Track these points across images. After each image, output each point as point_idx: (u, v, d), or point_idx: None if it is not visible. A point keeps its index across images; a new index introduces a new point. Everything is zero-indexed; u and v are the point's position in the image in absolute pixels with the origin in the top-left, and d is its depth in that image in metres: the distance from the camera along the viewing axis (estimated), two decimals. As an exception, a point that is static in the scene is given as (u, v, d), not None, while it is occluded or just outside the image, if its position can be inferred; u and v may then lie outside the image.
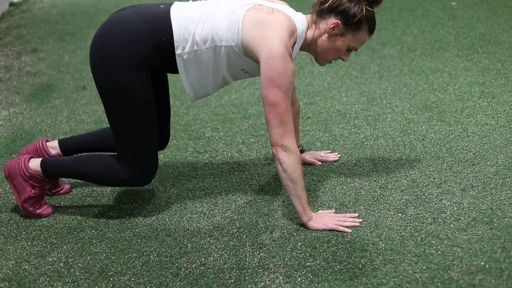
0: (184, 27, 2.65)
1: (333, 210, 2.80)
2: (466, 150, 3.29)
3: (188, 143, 3.64)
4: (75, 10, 7.27)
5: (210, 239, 2.69)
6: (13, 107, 4.43)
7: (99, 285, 2.44)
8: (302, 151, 3.27)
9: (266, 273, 2.43)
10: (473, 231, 2.59)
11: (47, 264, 2.59)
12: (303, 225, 2.70)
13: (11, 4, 7.58)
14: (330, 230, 2.66)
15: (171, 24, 2.65)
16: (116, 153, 2.84)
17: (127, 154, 2.77)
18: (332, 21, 2.71)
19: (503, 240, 2.52)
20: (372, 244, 2.56)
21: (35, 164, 2.92)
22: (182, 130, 3.81)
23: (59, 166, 2.93)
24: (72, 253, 2.66)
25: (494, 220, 2.67)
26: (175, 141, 3.67)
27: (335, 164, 3.27)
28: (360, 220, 2.69)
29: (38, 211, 2.95)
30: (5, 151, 3.72)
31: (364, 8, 2.68)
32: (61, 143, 3.19)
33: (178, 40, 2.65)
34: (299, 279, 2.39)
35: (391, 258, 2.46)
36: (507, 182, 2.95)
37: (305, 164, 3.25)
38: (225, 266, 2.50)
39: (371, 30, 2.75)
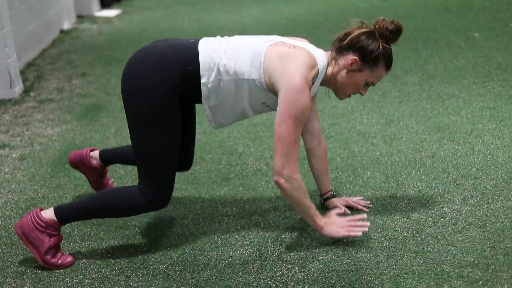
0: (210, 57, 2.79)
1: (343, 210, 3.07)
2: (470, 165, 3.66)
3: (221, 157, 4.06)
4: (121, 37, 7.78)
5: (238, 237, 3.10)
6: (65, 124, 4.90)
7: (141, 272, 2.86)
8: (332, 196, 3.28)
9: (284, 264, 2.83)
10: (467, 233, 2.97)
11: (97, 255, 3.02)
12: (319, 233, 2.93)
13: (62, 32, 8.12)
14: (343, 237, 2.88)
15: (198, 54, 2.81)
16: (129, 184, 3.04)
17: (149, 177, 2.84)
18: (350, 57, 2.85)
19: (493, 241, 2.89)
20: (377, 242, 2.95)
21: (48, 213, 2.91)
22: (217, 146, 4.23)
23: (74, 209, 2.92)
24: (118, 247, 3.09)
25: (487, 224, 3.03)
26: (210, 155, 4.09)
27: (351, 176, 3.66)
28: (369, 223, 2.90)
29: (60, 261, 2.93)
30: (58, 162, 4.18)
31: (381, 45, 2.82)
32: (102, 154, 3.47)
33: (204, 69, 2.79)
34: (312, 269, 2.78)
35: (393, 254, 2.85)
36: (503, 193, 3.31)
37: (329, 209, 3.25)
38: (249, 258, 2.90)
39: (388, 66, 2.88)
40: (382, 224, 3.11)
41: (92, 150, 3.52)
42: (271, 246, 3.00)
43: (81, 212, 2.92)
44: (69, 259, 2.95)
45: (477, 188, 3.40)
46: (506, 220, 3.06)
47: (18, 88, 5.73)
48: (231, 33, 6.46)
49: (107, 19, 9.19)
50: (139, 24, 8.70)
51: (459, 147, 3.93)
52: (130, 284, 2.76)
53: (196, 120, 3.42)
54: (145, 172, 2.85)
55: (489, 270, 2.68)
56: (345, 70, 2.87)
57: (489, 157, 3.76)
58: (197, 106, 3.43)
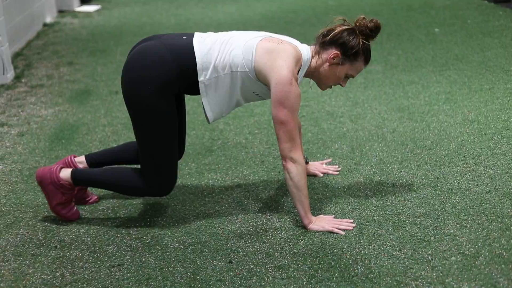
0: (206, 57, 3.01)
1: (333, 216, 3.21)
2: (426, 139, 4.16)
3: (204, 133, 4.51)
4: (103, 31, 8.20)
5: (222, 195, 3.56)
6: (58, 106, 5.31)
7: (139, 223, 3.31)
8: (306, 163, 3.57)
9: (263, 216, 3.29)
10: (421, 192, 3.46)
11: (98, 211, 3.46)
12: (304, 227, 3.12)
13: (45, 25, 8.50)
14: (327, 231, 3.07)
15: (194, 54, 3.01)
16: (139, 166, 3.18)
17: (150, 167, 3.10)
18: (333, 52, 3.07)
19: (442, 197, 3.38)
20: (344, 199, 3.43)
21: (65, 174, 3.20)
22: (200, 124, 4.68)
23: (88, 177, 3.24)
24: (118, 205, 3.52)
25: (438, 185, 3.53)
26: (194, 132, 4.53)
27: (321, 148, 4.13)
28: (354, 225, 3.11)
29: (69, 214, 3.25)
30: (55, 137, 4.59)
31: (361, 41, 3.05)
32: (88, 158, 3.51)
33: (200, 69, 3.01)
34: (288, 219, 3.24)
35: (357, 207, 3.33)
36: (453, 161, 3.81)
37: (309, 175, 3.59)
38: (233, 212, 3.36)
39: (366, 61, 3.13)
40: (348, 185, 3.59)
41: (75, 156, 3.54)
42: (251, 203, 3.46)
43: (93, 181, 3.24)
44: (76, 215, 3.28)
45: (431, 157, 3.89)
46: (455, 182, 3.55)
47: (10, 74, 6.12)
48: (207, 28, 6.93)
49: (88, 14, 9.58)
50: (119, 18, 9.11)
51: (417, 124, 4.42)
52: (130, 233, 3.20)
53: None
54: (147, 163, 3.10)
55: (439, 219, 3.17)
56: (327, 63, 3.10)
57: (442, 132, 4.25)
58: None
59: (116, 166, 3.35)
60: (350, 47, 3.06)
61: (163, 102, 3.03)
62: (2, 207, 3.56)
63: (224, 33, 3.15)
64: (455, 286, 2.64)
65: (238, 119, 4.71)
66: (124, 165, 3.39)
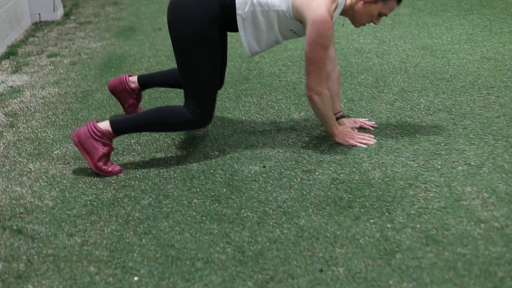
0: None
1: (356, 129, 3.55)
2: (445, 73, 4.52)
3: (241, 64, 4.90)
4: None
5: (257, 115, 3.96)
6: (105, 40, 5.74)
7: (164, 153, 3.74)
8: (342, 117, 3.65)
9: (293, 131, 3.71)
10: (437, 115, 3.84)
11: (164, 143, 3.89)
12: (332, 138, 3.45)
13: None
14: (350, 145, 3.41)
15: None
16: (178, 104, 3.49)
17: (195, 97, 3.23)
18: None
19: (455, 120, 3.76)
20: (366, 119, 3.82)
21: (104, 124, 3.25)
22: (238, 57, 5.06)
23: (127, 122, 3.28)
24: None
25: (453, 110, 3.91)
26: (232, 63, 4.92)
27: (348, 78, 4.52)
28: (375, 140, 3.47)
29: (110, 168, 3.28)
30: (104, 66, 5.03)
31: None
32: (140, 77, 3.78)
33: (239, 2, 3.16)
34: (306, 137, 3.66)
35: (378, 131, 3.72)
36: (468, 91, 4.17)
37: None
38: (267, 127, 3.78)
39: (399, 0, 3.28)
40: (371, 108, 3.98)
41: (130, 75, 3.84)
42: (283, 121, 3.87)
43: (133, 125, 3.27)
44: (118, 168, 3.31)
45: (448, 87, 4.26)
46: (468, 108, 3.92)
47: (60, 11, 6.56)
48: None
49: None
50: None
51: (438, 60, 4.78)
52: (175, 142, 3.64)
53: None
54: (191, 92, 3.23)
55: (450, 137, 3.56)
56: (362, 2, 3.24)
57: (461, 67, 4.61)
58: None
59: (156, 107, 3.41)
60: None
61: (209, 32, 3.17)
62: (61, 122, 4.01)
63: None
64: (459, 188, 3.03)
65: (272, 53, 5.09)
66: (164, 106, 3.53)
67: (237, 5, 3.16)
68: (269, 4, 3.16)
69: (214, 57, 3.23)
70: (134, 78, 3.82)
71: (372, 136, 3.52)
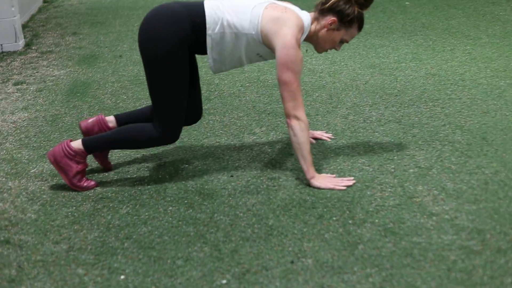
0: (215, 13, 3.24)
1: (335, 175, 3.46)
2: (393, 88, 4.86)
3: (202, 86, 5.18)
4: (100, 6, 8.84)
5: (221, 131, 4.24)
6: (68, 68, 5.96)
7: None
8: None
9: (256, 134, 3.99)
10: (388, 126, 4.15)
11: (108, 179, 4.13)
12: (308, 183, 3.37)
13: (45, 1, 9.12)
14: (328, 189, 3.33)
15: (204, 10, 3.26)
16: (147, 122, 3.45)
17: (163, 115, 3.33)
18: (330, 18, 3.33)
19: (405, 130, 4.08)
20: (323, 131, 4.12)
21: (77, 143, 3.41)
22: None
23: (98, 140, 3.43)
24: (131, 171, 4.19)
25: (402, 121, 4.22)
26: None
27: (304, 95, 4.82)
28: (354, 180, 3.39)
29: (86, 184, 3.45)
30: (70, 91, 5.24)
31: (356, 10, 3.32)
32: (118, 117, 3.71)
33: (209, 23, 3.24)
34: (276, 136, 3.94)
35: (333, 137, 4.02)
36: (416, 104, 4.50)
37: None
38: (231, 143, 4.05)
39: (360, 27, 3.39)
40: (327, 122, 4.28)
41: (103, 116, 3.72)
42: (246, 135, 4.14)
43: (104, 143, 3.43)
44: (93, 183, 3.48)
45: (397, 101, 4.59)
46: (416, 118, 4.25)
47: (21, 42, 6.76)
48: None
49: (83, -8, 10.18)
50: (113, -5, 9.74)
51: (386, 77, 5.13)
52: (146, 159, 3.88)
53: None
54: (159, 111, 3.33)
55: (401, 144, 3.87)
56: (325, 29, 3.35)
57: (408, 83, 4.96)
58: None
59: (124, 126, 3.51)
60: (346, 15, 3.31)
61: (178, 52, 3.25)
62: (34, 144, 4.21)
63: None
64: (412, 188, 3.33)
65: (231, 75, 5.38)
66: (133, 124, 3.54)
67: (207, 25, 3.26)
68: (238, 27, 3.26)
69: (183, 77, 3.32)
70: (111, 118, 3.73)
71: (351, 178, 3.46)
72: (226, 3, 3.32)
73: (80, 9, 8.71)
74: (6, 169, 3.82)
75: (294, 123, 3.27)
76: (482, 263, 2.66)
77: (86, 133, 3.68)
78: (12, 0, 6.52)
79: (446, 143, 3.83)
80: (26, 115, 4.74)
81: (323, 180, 3.36)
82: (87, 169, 3.64)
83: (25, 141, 4.23)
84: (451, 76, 5.03)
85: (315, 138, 3.93)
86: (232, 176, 3.57)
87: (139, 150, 3.91)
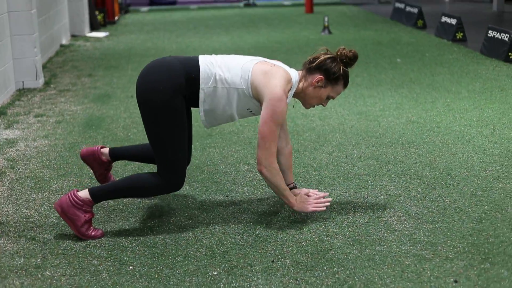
0: (209, 69, 3.44)
1: (309, 190, 3.78)
2: (375, 132, 5.45)
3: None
4: (114, 52, 9.53)
5: (220, 160, 4.83)
6: (84, 104, 6.58)
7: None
8: (294, 187, 3.85)
9: (246, 167, 4.57)
10: (366, 162, 4.72)
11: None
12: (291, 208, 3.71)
13: (61, 46, 9.81)
14: (310, 212, 3.65)
15: (199, 65, 3.46)
16: (151, 171, 3.79)
17: (166, 164, 3.47)
18: (317, 76, 3.52)
19: (381, 165, 4.65)
20: (310, 167, 4.70)
21: (83, 193, 3.48)
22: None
23: (105, 189, 3.53)
24: (137, 218, 4.78)
25: (379, 158, 4.80)
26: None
27: (295, 135, 5.41)
28: (331, 199, 3.75)
29: (93, 233, 3.51)
30: (86, 124, 5.84)
31: (341, 68, 3.52)
32: (111, 150, 3.96)
33: (203, 77, 3.44)
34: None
35: (317, 169, 4.61)
36: (393, 145, 5.09)
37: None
38: (222, 179, 4.63)
39: (345, 85, 3.60)
40: (313, 157, 4.87)
41: (103, 147, 4.00)
42: (242, 165, 4.73)
43: (111, 191, 3.53)
44: (100, 232, 3.55)
45: (377, 142, 5.18)
46: (392, 157, 4.82)
47: (41, 80, 7.41)
48: (204, 53, 8.27)
49: (98, 39, 10.91)
50: (126, 43, 10.45)
51: (370, 122, 5.73)
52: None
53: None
54: (161, 160, 3.47)
55: (376, 177, 4.44)
56: (312, 86, 3.55)
57: (389, 128, 5.56)
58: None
59: (131, 175, 3.77)
60: (332, 73, 3.51)
61: (175, 102, 3.42)
62: (54, 165, 4.79)
63: (225, 55, 3.63)
64: (380, 210, 3.88)
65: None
66: (139, 173, 3.83)
67: (201, 80, 3.44)
68: (229, 82, 3.44)
69: (181, 125, 3.45)
70: (105, 151, 3.97)
71: (327, 194, 3.84)
72: (219, 59, 3.52)
73: (95, 54, 9.39)
74: (30, 184, 4.39)
75: (265, 171, 3.48)
76: (431, 267, 3.21)
77: (84, 160, 4.00)
78: (35, 41, 7.15)
79: (415, 177, 4.40)
80: (46, 142, 5.33)
81: (304, 205, 3.63)
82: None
83: (47, 163, 4.81)
84: (428, 123, 5.62)
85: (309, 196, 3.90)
86: (227, 196, 4.14)
87: (145, 198, 4.04)
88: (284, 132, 3.77)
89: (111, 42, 10.60)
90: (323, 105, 3.67)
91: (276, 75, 3.43)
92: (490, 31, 8.69)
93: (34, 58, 7.20)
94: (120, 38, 11.09)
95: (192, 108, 3.76)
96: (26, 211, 3.96)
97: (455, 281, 3.07)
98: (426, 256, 3.30)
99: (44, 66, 8.29)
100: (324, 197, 3.77)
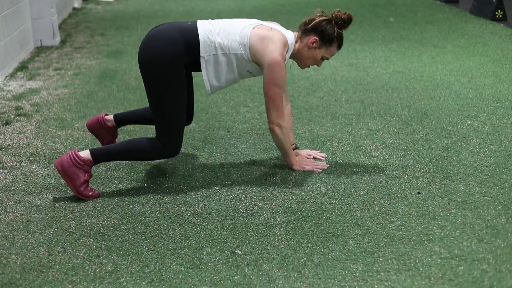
0: (207, 37, 3.52)
1: (311, 156, 4.00)
2: (363, 80, 6.02)
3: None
4: (123, 14, 10.09)
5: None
6: (98, 59, 7.16)
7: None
8: (296, 148, 4.09)
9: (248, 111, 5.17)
10: (353, 104, 5.32)
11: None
12: (290, 168, 3.89)
13: (74, 9, 10.37)
14: (308, 170, 3.84)
15: (198, 34, 3.52)
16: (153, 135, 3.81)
17: (165, 129, 3.55)
18: (312, 37, 3.62)
19: (365, 107, 5.26)
20: (302, 110, 5.30)
21: (85, 153, 3.54)
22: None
23: (105, 150, 3.60)
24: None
25: (364, 101, 5.39)
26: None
27: (291, 82, 6.00)
28: (327, 166, 3.93)
29: (91, 193, 3.57)
30: (102, 76, 6.42)
31: (336, 30, 3.62)
32: (116, 116, 4.06)
33: (203, 46, 3.52)
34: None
35: (310, 117, 5.20)
36: (378, 91, 5.67)
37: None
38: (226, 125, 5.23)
39: (339, 46, 3.70)
40: (306, 101, 5.45)
41: (106, 115, 4.09)
42: (242, 110, 5.32)
43: (110, 153, 3.60)
44: (96, 192, 3.61)
45: (364, 88, 5.74)
46: (376, 100, 5.40)
47: (58, 39, 7.98)
48: (209, 15, 8.84)
49: (108, 3, 11.47)
50: (135, 6, 11.00)
51: (359, 73, 6.30)
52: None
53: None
54: (161, 125, 3.55)
55: (359, 115, 5.04)
56: (307, 47, 3.64)
57: (376, 77, 6.13)
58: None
59: (131, 138, 3.92)
60: (327, 34, 3.61)
61: (175, 70, 3.50)
62: (75, 109, 5.37)
63: (223, 20, 3.67)
64: (360, 141, 4.47)
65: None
66: (138, 138, 3.95)
67: (201, 48, 3.53)
68: (229, 48, 3.53)
69: (181, 93, 3.55)
70: (110, 117, 4.08)
71: (326, 155, 4.15)
72: (217, 26, 3.59)
73: (106, 16, 9.96)
74: (55, 124, 4.99)
75: (277, 129, 3.67)
76: (399, 183, 3.80)
77: (90, 129, 4.13)
78: (52, 2, 7.72)
79: (395, 116, 4.98)
80: (66, 90, 5.93)
81: (302, 163, 3.87)
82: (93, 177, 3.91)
83: (68, 107, 5.41)
84: (412, 73, 6.20)
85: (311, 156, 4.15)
86: (228, 131, 4.74)
87: (143, 161, 4.08)
88: (284, 93, 3.86)
89: (121, 6, 11.15)
90: (317, 66, 3.78)
91: (274, 39, 3.52)
92: (478, -8, 9.20)
93: (51, 18, 7.77)
94: (129, 1, 11.63)
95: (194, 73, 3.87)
96: (53, 144, 4.56)
97: (418, 193, 3.65)
98: (396, 175, 3.90)
99: (59, 27, 8.83)
100: (324, 158, 4.07)
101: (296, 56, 3.73)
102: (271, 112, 3.62)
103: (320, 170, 3.86)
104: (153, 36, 3.56)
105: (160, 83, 3.51)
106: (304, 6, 10.49)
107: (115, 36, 8.35)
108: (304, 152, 4.10)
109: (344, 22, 3.64)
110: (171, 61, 3.48)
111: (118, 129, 4.26)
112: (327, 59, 3.76)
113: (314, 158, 4.10)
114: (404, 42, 7.56)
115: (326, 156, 4.16)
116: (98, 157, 3.57)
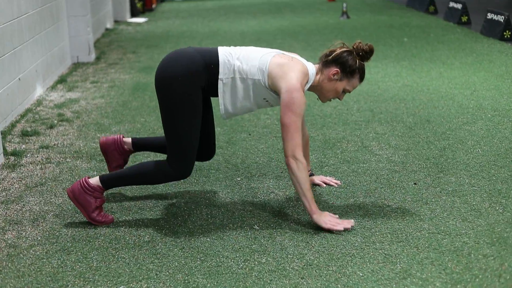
0: (227, 60, 3.43)
1: (337, 216, 3.52)
2: (375, 92, 6.56)
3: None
4: (153, 35, 10.74)
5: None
6: (131, 74, 7.77)
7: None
8: (311, 175, 4.04)
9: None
10: (363, 113, 5.86)
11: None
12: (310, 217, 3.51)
13: (106, 29, 11.05)
14: (326, 229, 3.42)
15: (218, 56, 3.44)
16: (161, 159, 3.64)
17: (177, 153, 3.46)
18: (334, 69, 3.47)
19: (375, 116, 5.81)
20: (316, 118, 5.86)
21: (94, 180, 3.53)
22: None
23: (115, 176, 3.56)
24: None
25: (374, 110, 5.94)
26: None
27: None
28: (353, 223, 3.47)
29: (104, 219, 3.57)
30: (135, 88, 7.00)
31: (357, 61, 3.48)
32: (134, 140, 3.96)
33: (222, 68, 3.42)
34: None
35: (323, 124, 5.76)
36: (387, 102, 6.22)
37: (314, 184, 4.07)
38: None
39: (361, 78, 3.55)
40: (321, 110, 6.01)
41: (123, 137, 4.00)
42: (263, 117, 5.89)
43: (120, 178, 3.56)
44: (110, 217, 3.62)
45: (374, 99, 6.28)
46: (384, 109, 5.94)
47: (93, 55, 8.63)
48: (233, 35, 9.45)
49: (138, 24, 12.14)
50: (164, 27, 11.66)
51: (371, 86, 6.83)
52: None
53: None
54: (173, 148, 3.47)
55: (369, 121, 5.59)
56: (329, 79, 3.50)
57: (386, 90, 6.66)
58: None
59: (140, 162, 3.76)
60: (349, 66, 3.47)
61: (191, 91, 3.40)
62: (111, 116, 5.95)
63: (244, 47, 3.61)
64: (367, 142, 5.01)
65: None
66: (148, 161, 3.78)
67: (220, 70, 3.43)
68: (248, 72, 3.42)
69: (196, 117, 3.45)
70: (128, 140, 3.99)
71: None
72: (238, 51, 3.51)
73: (136, 36, 10.61)
74: (94, 128, 5.58)
75: (292, 163, 3.36)
76: (399, 176, 4.32)
77: (103, 148, 3.99)
78: (88, 22, 8.37)
79: (400, 122, 5.52)
80: (103, 100, 6.53)
81: (324, 218, 3.44)
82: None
83: (105, 114, 6.00)
84: (420, 86, 6.73)
85: (325, 183, 4.11)
86: (249, 134, 5.29)
87: (153, 185, 4.09)
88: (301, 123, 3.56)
89: (150, 26, 11.82)
90: (339, 99, 3.64)
91: (294, 68, 3.40)
92: (488, 14, 9.72)
93: (87, 36, 8.41)
94: (158, 23, 12.30)
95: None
96: (93, 144, 5.14)
97: (414, 183, 4.18)
98: (397, 170, 4.43)
99: (94, 45, 9.49)
100: (337, 185, 4.04)
101: (316, 88, 3.58)
102: (286, 143, 3.38)
103: (342, 229, 3.44)
104: (171, 57, 3.51)
105: (176, 103, 3.42)
106: (323, 28, 11.06)
107: (145, 54, 8.97)
108: (318, 178, 4.08)
109: (366, 53, 3.51)
110: (188, 81, 3.40)
111: (130, 155, 4.12)
112: (349, 91, 3.61)
113: (327, 184, 4.06)
114: (415, 60, 8.09)
115: (341, 183, 4.13)
116: (107, 183, 3.56)
